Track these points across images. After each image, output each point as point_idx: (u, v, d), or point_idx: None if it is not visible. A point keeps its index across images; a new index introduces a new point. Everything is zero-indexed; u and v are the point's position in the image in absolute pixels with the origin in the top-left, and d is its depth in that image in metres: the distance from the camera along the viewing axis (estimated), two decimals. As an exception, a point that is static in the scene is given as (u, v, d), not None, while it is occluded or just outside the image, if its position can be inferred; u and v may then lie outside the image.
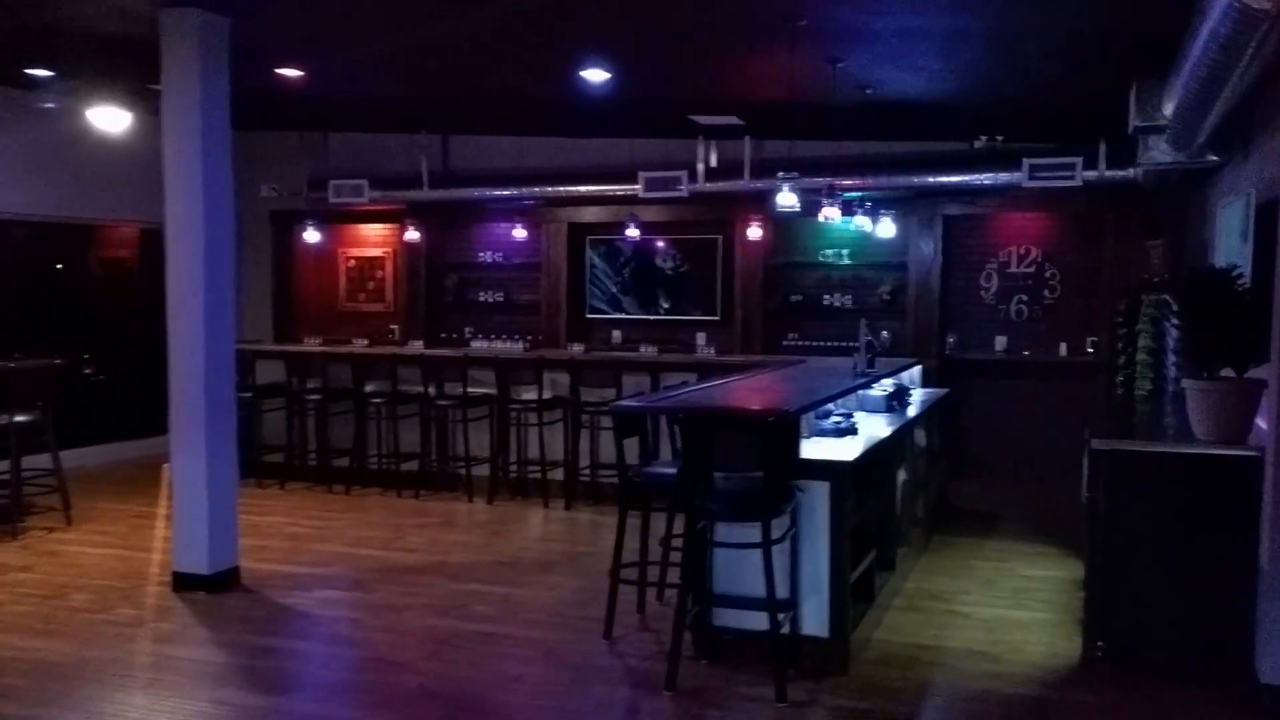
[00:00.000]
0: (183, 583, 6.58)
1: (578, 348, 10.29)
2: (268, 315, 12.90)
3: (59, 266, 11.38)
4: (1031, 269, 10.16)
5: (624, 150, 10.92)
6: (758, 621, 4.92)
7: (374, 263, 12.90)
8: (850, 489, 5.06)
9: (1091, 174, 9.03)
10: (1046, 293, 10.12)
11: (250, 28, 6.80)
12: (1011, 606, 6.15)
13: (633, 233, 10.69)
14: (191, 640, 5.67)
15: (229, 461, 6.80)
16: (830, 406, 5.93)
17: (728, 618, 5.17)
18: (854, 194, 9.80)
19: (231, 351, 6.84)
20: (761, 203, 10.33)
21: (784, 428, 4.95)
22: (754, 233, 10.43)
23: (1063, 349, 10.04)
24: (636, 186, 10.38)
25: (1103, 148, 8.80)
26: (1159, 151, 6.79)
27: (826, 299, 10.71)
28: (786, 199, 7.77)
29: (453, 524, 8.47)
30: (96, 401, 11.32)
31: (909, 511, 6.80)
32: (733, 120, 9.37)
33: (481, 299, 12.16)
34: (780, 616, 4.87)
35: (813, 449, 5.35)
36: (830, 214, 8.50)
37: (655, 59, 7.35)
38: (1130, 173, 8.58)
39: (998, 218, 10.25)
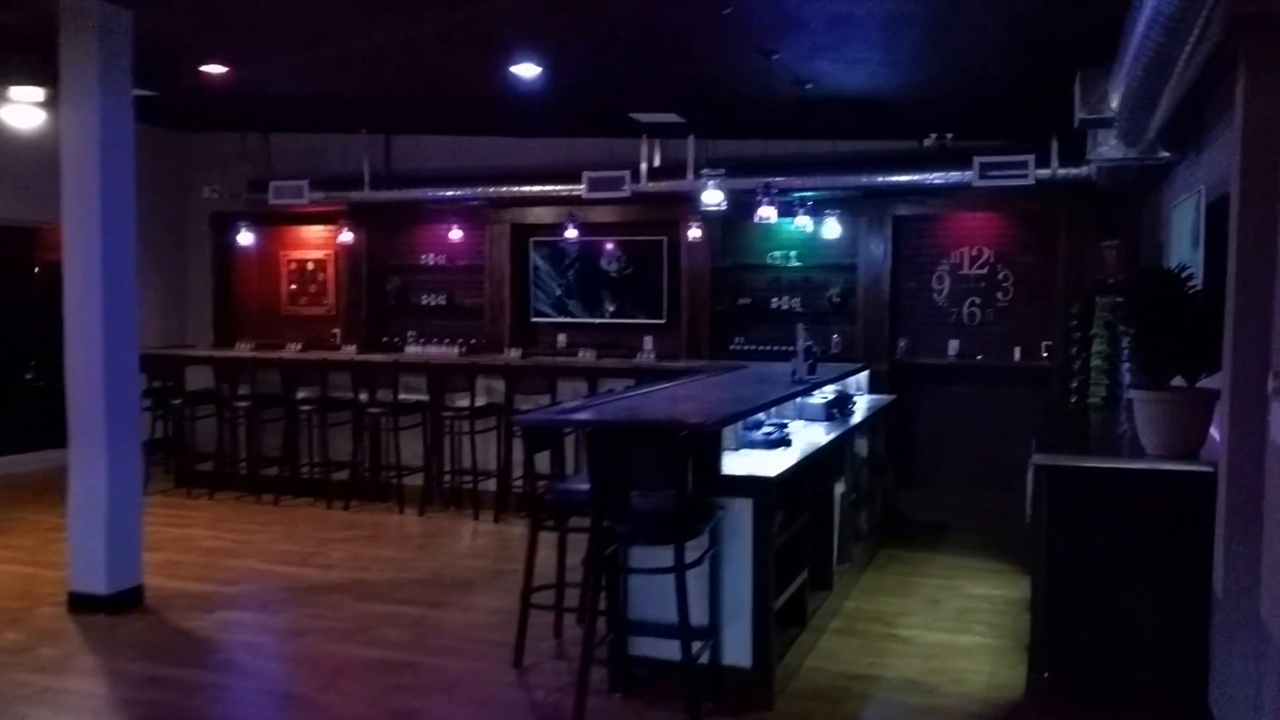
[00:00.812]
0: (79, 604, 6.16)
1: (515, 352, 9.92)
2: (209, 319, 12.54)
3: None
4: (984, 270, 9.87)
5: (568, 150, 10.58)
6: (675, 651, 4.57)
7: (316, 265, 12.51)
8: (775, 506, 4.71)
9: (1044, 172, 8.77)
10: (999, 295, 9.83)
11: (158, 21, 6.41)
12: (955, 630, 5.81)
13: (571, 233, 10.36)
14: (75, 669, 5.26)
15: (132, 473, 6.38)
16: (761, 416, 5.59)
17: (644, 646, 4.81)
18: (806, 194, 9.51)
19: (134, 357, 6.42)
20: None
21: (703, 441, 4.61)
22: (697, 234, 10.10)
23: (1017, 354, 9.75)
24: (580, 187, 10.08)
25: (1055, 145, 8.53)
26: (1109, 147, 6.49)
27: (775, 302, 10.38)
28: (712, 196, 7.40)
29: (379, 537, 8.07)
30: (39, 408, 10.91)
31: (850, 526, 6.47)
32: (673, 118, 9.01)
33: (425, 302, 11.78)
34: (698, 645, 4.53)
35: (740, 462, 5.01)
36: (767, 214, 8.19)
37: (586, 52, 6.97)
38: (1084, 171, 8.32)
39: (949, 218, 9.96)
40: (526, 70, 7.25)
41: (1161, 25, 3.58)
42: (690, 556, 4.47)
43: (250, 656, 5.49)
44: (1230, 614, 4.23)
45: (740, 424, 5.34)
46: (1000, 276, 9.82)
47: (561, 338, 11.20)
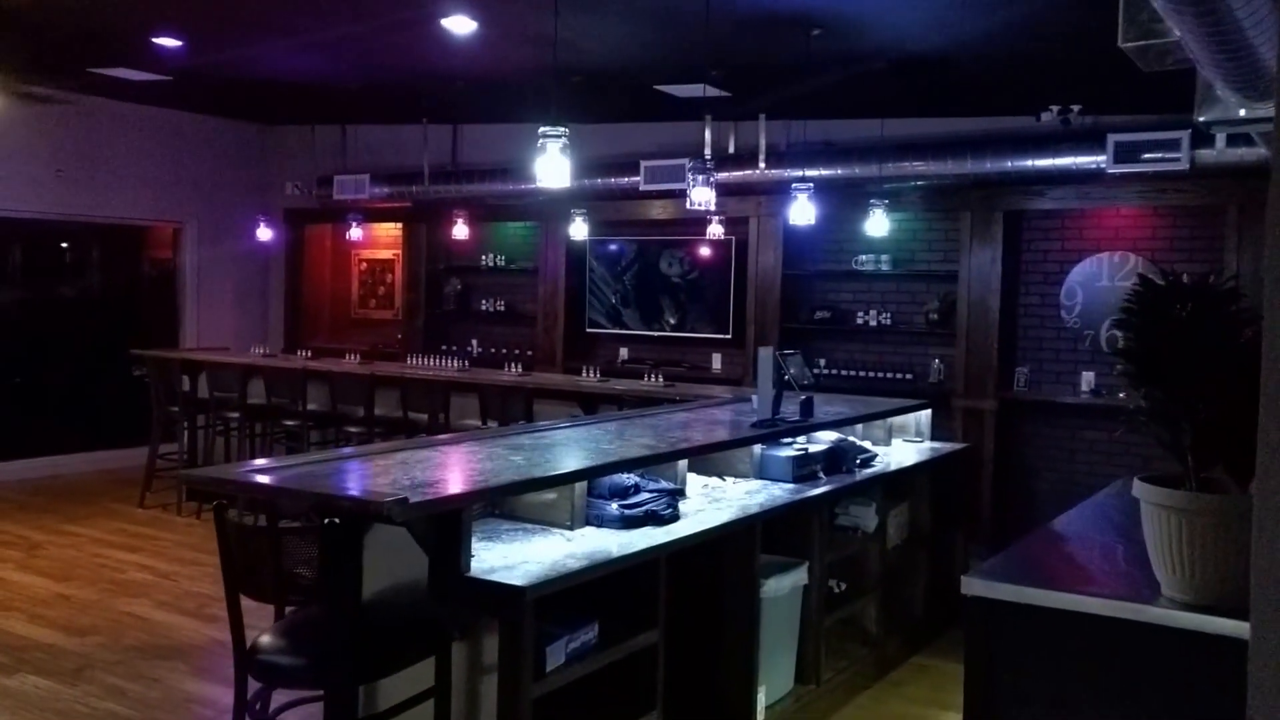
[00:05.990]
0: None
1: (517, 368, 8.41)
2: (281, 321, 11.81)
3: None
4: (1130, 282, 7.57)
5: (629, 137, 9.04)
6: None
7: (385, 266, 11.53)
8: (529, 630, 3.02)
9: (1208, 152, 6.57)
10: (1150, 316, 7.51)
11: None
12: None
13: (580, 230, 8.78)
14: None
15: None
16: (633, 479, 3.87)
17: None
18: (892, 185, 7.64)
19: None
20: (782, 197, 8.23)
21: (440, 528, 3.00)
22: (718, 230, 8.32)
23: (1171, 392, 7.42)
24: (638, 178, 8.59)
25: (1215, 115, 6.29)
26: (1227, 103, 4.32)
27: (861, 317, 8.42)
28: (701, 194, 5.64)
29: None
30: (143, 403, 10.51)
31: (816, 633, 4.62)
32: (705, 91, 7.21)
33: (483, 308, 10.52)
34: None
35: (559, 549, 3.36)
36: (803, 213, 6.45)
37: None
38: (1260, 149, 6.08)
39: (1081, 215, 7.71)
40: (459, 24, 5.81)
41: None
42: (405, 693, 2.90)
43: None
44: None
45: (580, 488, 3.67)
46: (1150, 291, 7.51)
47: (624, 351, 9.65)
